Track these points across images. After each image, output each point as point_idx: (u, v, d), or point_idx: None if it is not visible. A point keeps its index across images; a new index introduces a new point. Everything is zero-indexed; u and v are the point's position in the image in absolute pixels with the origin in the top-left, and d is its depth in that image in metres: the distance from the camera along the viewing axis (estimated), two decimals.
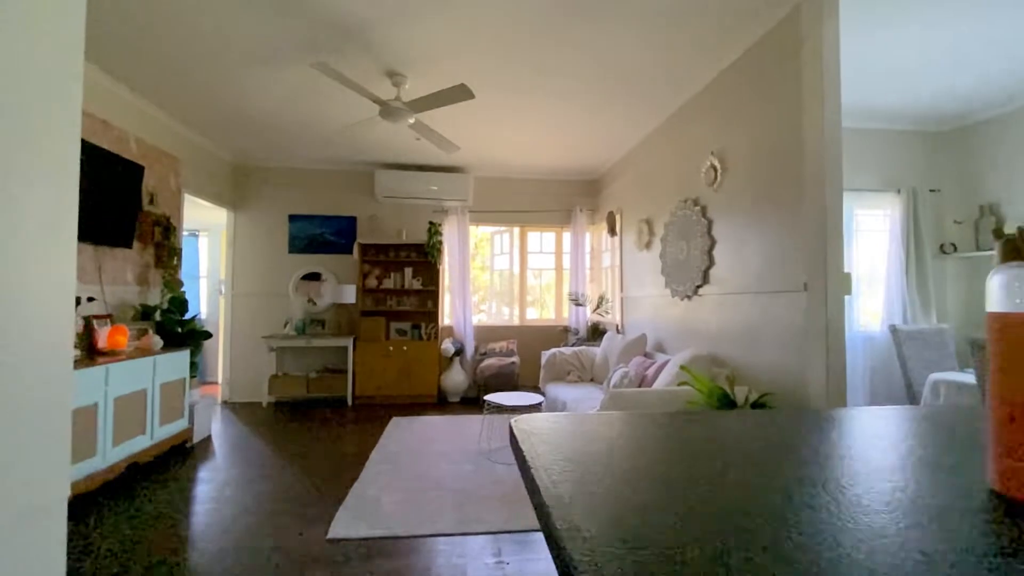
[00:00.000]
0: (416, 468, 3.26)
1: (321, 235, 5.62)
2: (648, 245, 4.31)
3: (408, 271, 5.56)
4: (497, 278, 6.18)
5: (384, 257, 5.55)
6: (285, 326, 5.38)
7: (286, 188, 5.59)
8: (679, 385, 2.62)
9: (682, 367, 2.62)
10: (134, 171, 3.57)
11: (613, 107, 3.81)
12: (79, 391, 2.61)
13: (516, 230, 6.01)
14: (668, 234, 3.85)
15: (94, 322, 3.23)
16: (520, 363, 5.51)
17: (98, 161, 3.21)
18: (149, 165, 3.89)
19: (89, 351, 3.18)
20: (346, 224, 5.65)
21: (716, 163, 3.19)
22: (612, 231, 5.13)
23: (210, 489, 2.89)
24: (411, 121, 3.41)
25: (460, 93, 3.02)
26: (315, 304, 5.51)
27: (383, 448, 3.68)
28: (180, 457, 3.44)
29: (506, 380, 5.35)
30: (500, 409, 3.54)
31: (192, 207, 5.65)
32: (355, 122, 3.55)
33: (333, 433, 4.13)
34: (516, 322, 5.97)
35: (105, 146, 3.33)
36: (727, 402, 2.49)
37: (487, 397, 3.62)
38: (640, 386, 3.44)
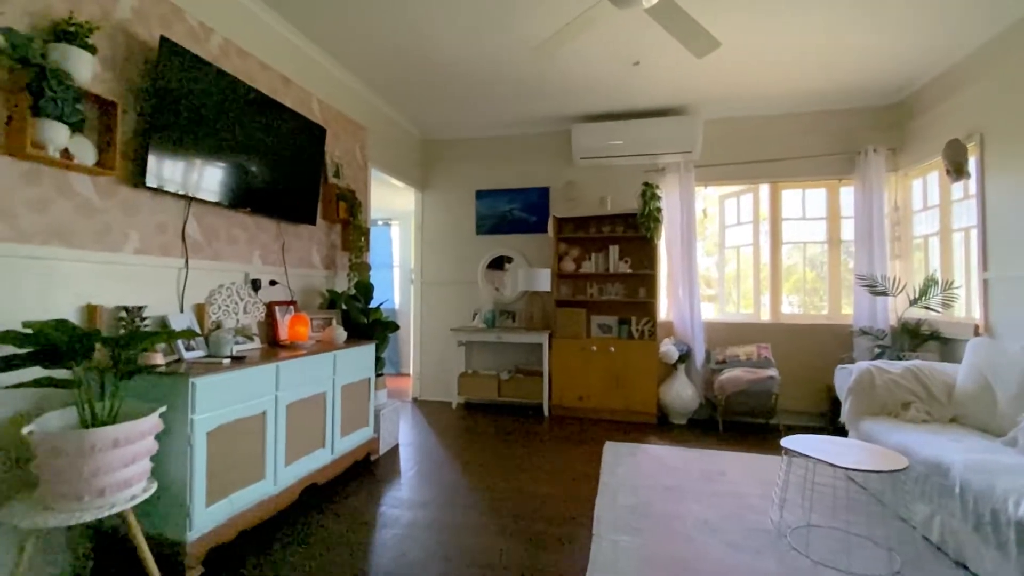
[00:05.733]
0: (673, 549, 2.03)
1: (510, 212, 4.78)
2: None
3: (613, 250, 4.35)
4: (734, 257, 4.57)
5: (583, 233, 4.45)
6: (474, 318, 4.69)
7: (473, 161, 4.89)
8: None
9: None
10: (317, 134, 3.07)
11: None
12: (242, 397, 2.04)
13: (764, 188, 4.31)
14: None
15: (276, 310, 2.78)
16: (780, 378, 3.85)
17: (278, 119, 2.72)
18: (333, 133, 3.42)
19: (271, 343, 2.74)
20: (537, 197, 4.71)
21: None
22: (958, 172, 3.13)
23: (400, 533, 2.11)
24: (653, 1, 2.17)
25: None
26: (501, 293, 4.72)
27: (608, 496, 2.54)
28: (363, 476, 2.82)
29: (760, 402, 3.76)
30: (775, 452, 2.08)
31: (382, 192, 5.38)
32: (566, 24, 2.46)
33: (534, 455, 3.16)
34: (766, 318, 4.29)
35: (288, 104, 2.86)
36: None
37: (789, 445, 2.19)
38: None
